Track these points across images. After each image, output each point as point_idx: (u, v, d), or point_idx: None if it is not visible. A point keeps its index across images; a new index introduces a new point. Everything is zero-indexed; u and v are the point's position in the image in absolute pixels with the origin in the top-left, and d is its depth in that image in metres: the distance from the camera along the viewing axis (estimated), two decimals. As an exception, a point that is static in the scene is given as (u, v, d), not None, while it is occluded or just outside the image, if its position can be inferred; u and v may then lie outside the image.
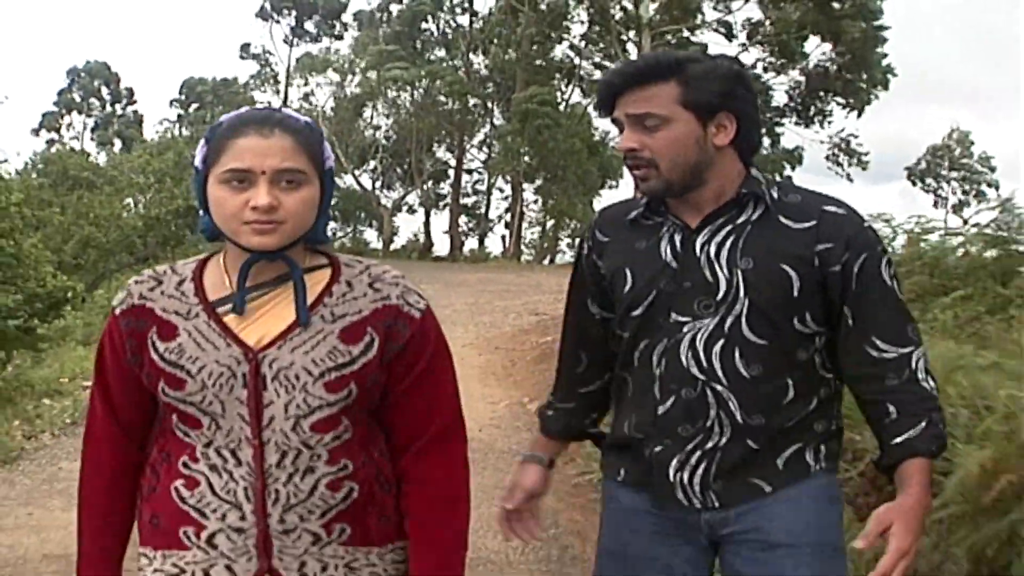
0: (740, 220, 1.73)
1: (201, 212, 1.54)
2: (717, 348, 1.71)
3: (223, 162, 1.46)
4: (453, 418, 1.62)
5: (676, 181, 1.70)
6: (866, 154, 29.77)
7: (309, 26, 40.10)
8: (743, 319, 1.70)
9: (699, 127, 1.69)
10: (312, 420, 1.50)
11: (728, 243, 1.72)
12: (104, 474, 1.59)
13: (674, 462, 1.74)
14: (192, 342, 1.50)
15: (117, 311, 1.55)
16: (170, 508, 1.53)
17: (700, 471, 1.74)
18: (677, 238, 1.76)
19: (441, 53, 32.69)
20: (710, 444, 1.73)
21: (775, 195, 1.73)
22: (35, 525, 4.72)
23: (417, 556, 1.58)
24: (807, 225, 1.70)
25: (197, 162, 1.51)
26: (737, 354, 1.70)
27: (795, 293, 1.68)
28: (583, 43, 29.32)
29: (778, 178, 1.59)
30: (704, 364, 1.71)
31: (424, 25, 32.11)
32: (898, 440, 1.65)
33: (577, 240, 27.62)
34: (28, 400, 7.85)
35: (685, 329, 1.73)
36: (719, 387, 1.71)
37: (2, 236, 13.80)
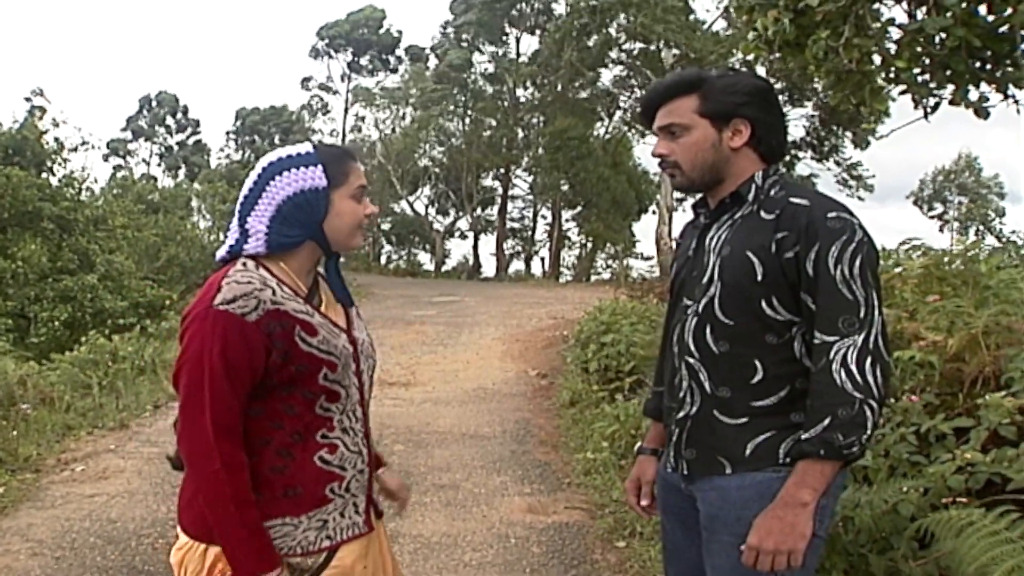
0: (738, 215, 1.79)
1: (284, 226, 1.63)
2: (695, 325, 1.79)
3: (352, 181, 1.68)
4: None
5: (697, 178, 1.83)
6: (872, 177, 30.49)
7: (364, 61, 40.48)
8: (715, 300, 1.75)
9: (715, 132, 1.79)
10: (374, 374, 1.85)
11: (723, 236, 1.79)
12: (245, 468, 1.58)
13: (673, 428, 1.88)
14: (327, 333, 1.67)
15: (252, 317, 1.56)
16: (313, 474, 1.67)
17: (675, 438, 1.85)
18: (697, 234, 1.89)
19: (488, 88, 32.70)
20: (682, 413, 1.83)
21: (772, 192, 1.78)
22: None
23: None
24: (772, 216, 1.72)
25: (317, 184, 1.65)
26: (708, 331, 1.76)
27: (759, 278, 1.70)
28: (614, 84, 29.96)
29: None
30: (694, 340, 1.80)
31: (470, 69, 31.92)
32: (801, 436, 1.64)
33: (613, 262, 27.59)
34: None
35: (689, 311, 1.82)
36: (691, 360, 1.79)
37: (111, 253, 16.03)
